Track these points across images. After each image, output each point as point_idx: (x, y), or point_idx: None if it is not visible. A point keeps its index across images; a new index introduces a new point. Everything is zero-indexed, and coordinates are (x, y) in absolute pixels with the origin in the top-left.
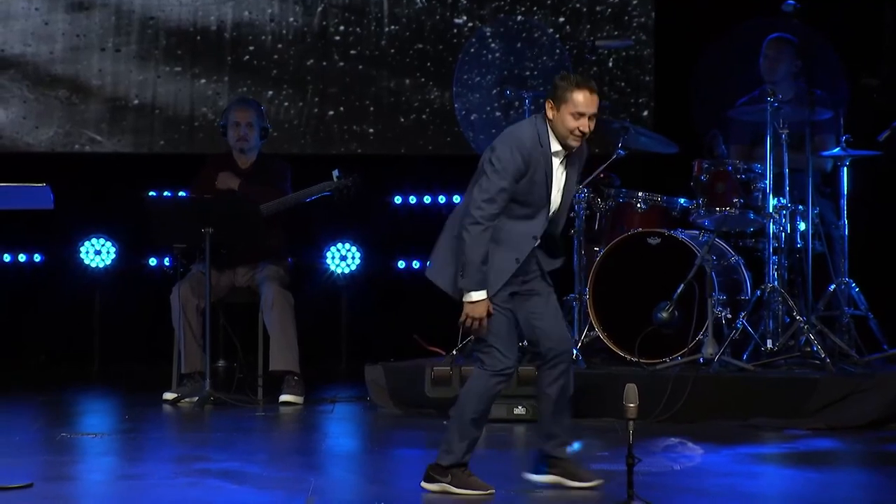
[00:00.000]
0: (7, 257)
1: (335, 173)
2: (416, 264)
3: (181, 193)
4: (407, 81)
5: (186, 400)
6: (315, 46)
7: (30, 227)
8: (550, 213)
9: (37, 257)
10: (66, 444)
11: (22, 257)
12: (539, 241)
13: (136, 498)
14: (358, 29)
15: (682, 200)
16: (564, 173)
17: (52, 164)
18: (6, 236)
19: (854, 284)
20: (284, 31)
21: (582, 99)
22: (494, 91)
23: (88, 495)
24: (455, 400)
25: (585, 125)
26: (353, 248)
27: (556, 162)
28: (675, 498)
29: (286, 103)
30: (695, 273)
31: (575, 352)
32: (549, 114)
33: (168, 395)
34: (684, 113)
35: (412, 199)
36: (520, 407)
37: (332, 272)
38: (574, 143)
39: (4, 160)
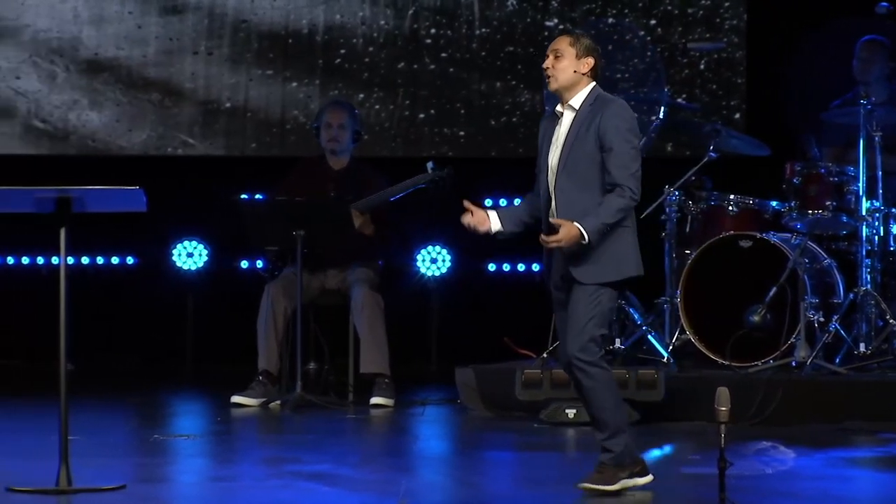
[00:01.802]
0: (100, 260)
1: (429, 166)
2: (506, 267)
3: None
4: (498, 84)
5: (255, 401)
6: (406, 49)
7: (123, 230)
8: (548, 176)
9: (130, 260)
10: (159, 446)
11: (115, 260)
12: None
13: (228, 500)
14: (449, 32)
15: (774, 203)
16: (565, 131)
17: (145, 167)
18: (100, 239)
19: None
20: (375, 34)
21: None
22: None
23: (181, 497)
24: (546, 402)
25: (548, 62)
26: (444, 251)
27: (561, 124)
28: (767, 502)
29: (377, 106)
30: (787, 276)
31: (666, 355)
32: None
33: (237, 399)
34: (776, 115)
35: (503, 202)
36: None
37: (423, 275)
38: (550, 85)
39: (98, 163)
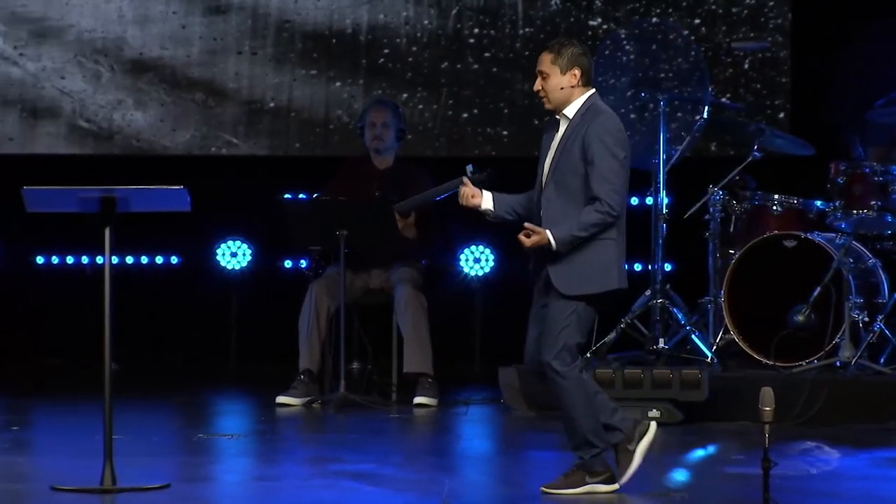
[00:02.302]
0: (144, 259)
1: (469, 168)
2: None
3: (316, 196)
4: None
5: (298, 401)
6: (449, 49)
7: (167, 230)
8: (540, 184)
9: (174, 260)
10: (203, 445)
11: (159, 259)
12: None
13: (272, 499)
14: (492, 31)
15: (818, 203)
16: (557, 140)
17: (189, 167)
18: (144, 238)
19: None
20: (419, 34)
21: None
22: (629, 93)
23: (224, 496)
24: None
25: (537, 84)
26: (487, 251)
27: (558, 132)
28: (811, 502)
29: (420, 106)
30: (831, 276)
31: (710, 354)
32: None
33: (281, 399)
34: (821, 115)
35: None
36: (654, 410)
37: (466, 274)
38: (546, 105)
39: (142, 163)
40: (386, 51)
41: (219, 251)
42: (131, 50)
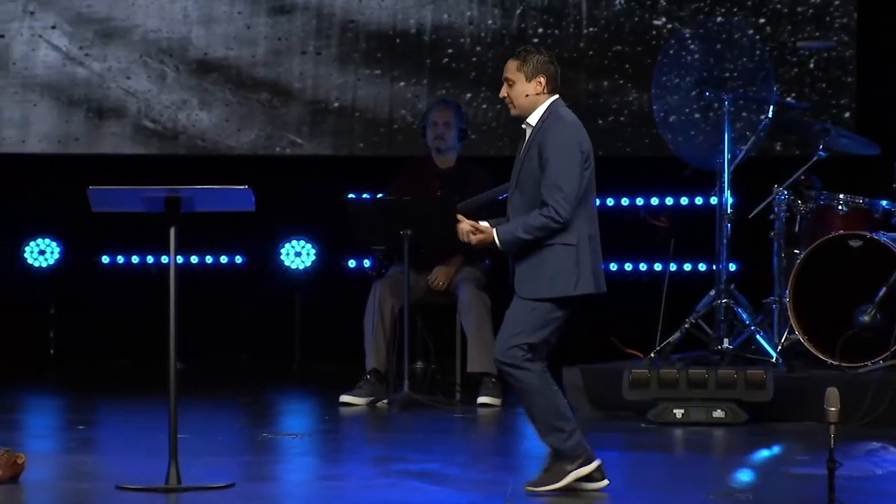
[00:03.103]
0: (209, 259)
1: None
2: (613, 266)
3: (379, 195)
4: (605, 83)
5: (362, 400)
6: (513, 49)
7: (231, 230)
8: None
9: (238, 259)
10: (268, 445)
11: (224, 259)
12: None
13: (336, 498)
14: (556, 31)
15: (884, 203)
16: (524, 147)
17: (254, 167)
18: (209, 238)
19: None
20: (483, 34)
21: None
22: (693, 93)
23: (289, 496)
24: (654, 402)
25: (502, 91)
26: None
27: (525, 134)
28: (876, 502)
29: (484, 105)
30: None
31: (775, 355)
32: None
33: (345, 398)
34: (887, 114)
35: (609, 202)
36: (719, 410)
37: None
38: (511, 112)
39: (207, 162)
40: (450, 50)
41: (283, 251)
42: (196, 50)
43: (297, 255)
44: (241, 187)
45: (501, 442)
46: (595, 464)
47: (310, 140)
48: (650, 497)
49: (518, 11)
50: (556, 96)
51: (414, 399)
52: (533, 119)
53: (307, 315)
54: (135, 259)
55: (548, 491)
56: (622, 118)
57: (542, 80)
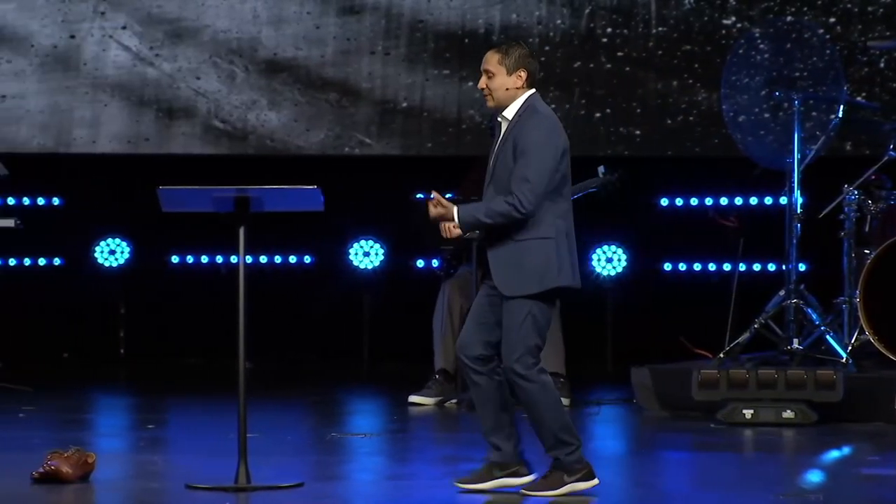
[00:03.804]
0: (278, 259)
1: (600, 170)
2: (682, 266)
3: (448, 195)
4: (674, 83)
5: (431, 400)
6: (582, 48)
7: (300, 229)
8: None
9: (307, 259)
10: (336, 444)
11: (292, 259)
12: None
13: (404, 498)
14: (625, 31)
15: None
16: (498, 142)
17: (323, 167)
18: (278, 238)
19: None
20: (552, 34)
21: None
22: (763, 92)
23: (357, 495)
24: (723, 402)
25: (481, 82)
26: (619, 251)
27: (501, 128)
28: None
29: (553, 105)
30: None
31: (845, 355)
32: None
33: (413, 398)
34: None
35: (679, 202)
36: (788, 411)
37: (598, 274)
38: (488, 103)
39: (276, 163)
40: None
41: (351, 251)
42: (266, 50)
43: (366, 255)
44: (310, 187)
45: None
46: (594, 482)
47: (378, 140)
48: (720, 497)
49: (587, 11)
50: (534, 90)
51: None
52: (509, 112)
53: (376, 315)
54: (204, 259)
55: (541, 497)
56: (691, 118)
57: (524, 74)
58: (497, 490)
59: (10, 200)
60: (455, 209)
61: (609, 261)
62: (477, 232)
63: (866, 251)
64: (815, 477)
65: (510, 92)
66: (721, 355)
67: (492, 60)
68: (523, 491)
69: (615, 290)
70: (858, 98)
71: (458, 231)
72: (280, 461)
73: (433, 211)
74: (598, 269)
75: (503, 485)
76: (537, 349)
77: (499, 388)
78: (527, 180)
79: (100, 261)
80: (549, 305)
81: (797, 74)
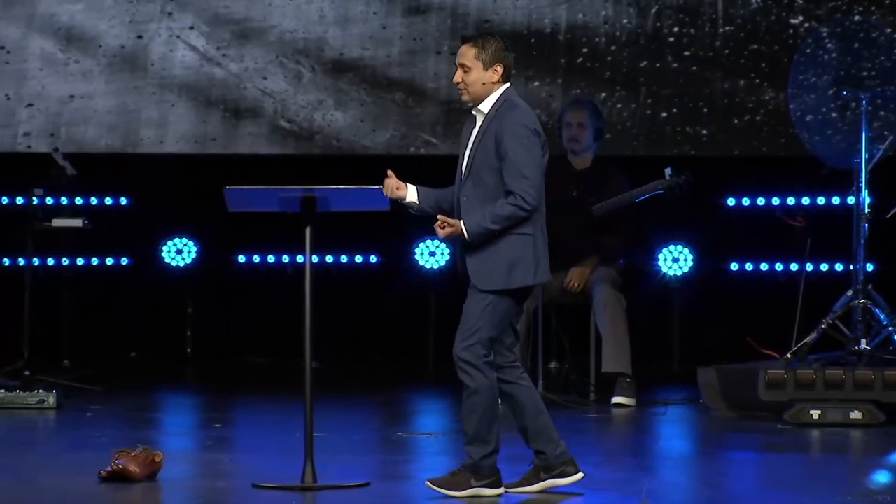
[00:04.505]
0: (344, 258)
1: (667, 171)
2: (749, 266)
3: None
4: (741, 82)
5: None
6: (648, 48)
7: (366, 229)
8: (459, 180)
9: (373, 259)
10: (402, 444)
11: (358, 259)
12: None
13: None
14: (692, 30)
15: None
16: (474, 136)
17: (388, 167)
18: (344, 238)
19: None
20: (618, 34)
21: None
22: (830, 92)
23: (423, 495)
24: (790, 403)
25: (457, 76)
26: (686, 251)
27: (477, 122)
28: None
29: (619, 105)
30: None
31: None
32: None
33: None
34: None
35: (745, 201)
36: (856, 411)
37: (665, 274)
38: (463, 97)
39: (342, 162)
40: (585, 50)
41: (417, 250)
42: (332, 50)
43: (432, 254)
44: (376, 187)
45: (636, 442)
46: (498, 491)
47: (444, 140)
48: (787, 498)
49: (654, 11)
50: (509, 84)
51: (548, 399)
52: (485, 106)
53: (441, 315)
54: (270, 259)
55: (446, 495)
56: (758, 117)
57: (500, 68)
58: (548, 490)
59: (79, 200)
60: (462, 224)
61: (675, 261)
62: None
63: None
64: (882, 478)
65: (486, 86)
66: (788, 356)
67: (468, 55)
68: (427, 482)
69: (681, 291)
70: None
71: (447, 231)
72: (346, 460)
73: (442, 233)
74: (665, 269)
75: (551, 486)
76: (490, 342)
77: (529, 391)
78: (525, 177)
79: (167, 260)
80: (517, 301)
81: (865, 74)
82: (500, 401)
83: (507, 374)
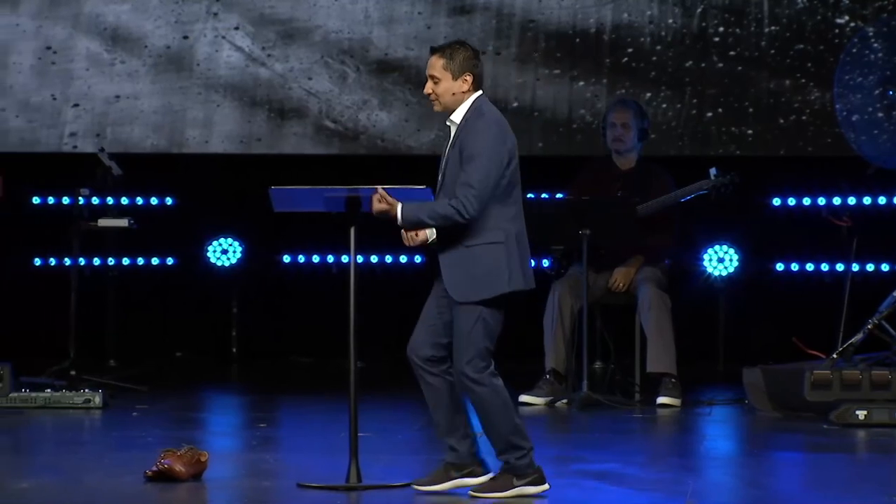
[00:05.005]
0: (389, 258)
1: (712, 172)
2: (794, 266)
3: (559, 195)
4: (787, 82)
5: (541, 400)
6: (694, 48)
7: None
8: (437, 187)
9: (417, 259)
10: (444, 444)
11: (403, 258)
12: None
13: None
14: (737, 30)
15: None
16: (448, 146)
17: (433, 167)
18: (388, 238)
19: None
20: (663, 33)
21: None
22: (877, 92)
23: (468, 495)
24: (836, 403)
25: (427, 87)
26: (731, 251)
27: (451, 133)
28: None
29: (664, 105)
30: None
31: None
32: None
33: (524, 398)
34: None
35: (791, 201)
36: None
37: (710, 274)
38: (435, 108)
39: (387, 162)
40: (630, 50)
41: None
42: (377, 50)
43: None
44: (421, 187)
45: (681, 442)
46: (544, 487)
47: None
48: (832, 499)
49: (699, 10)
50: (480, 92)
51: (593, 399)
52: (457, 117)
53: None
54: (315, 258)
55: (491, 499)
56: (804, 117)
57: (469, 78)
58: (453, 491)
59: (124, 200)
60: (399, 206)
61: (721, 261)
62: (433, 238)
63: None
64: None
65: (457, 97)
66: (834, 356)
67: (436, 65)
68: (471, 493)
69: (727, 291)
70: None
71: (420, 238)
72: (391, 460)
73: (376, 206)
74: (710, 270)
75: (459, 485)
76: (487, 352)
77: (452, 388)
78: (471, 186)
79: (212, 260)
80: (500, 309)
81: None
82: (426, 390)
83: (433, 367)
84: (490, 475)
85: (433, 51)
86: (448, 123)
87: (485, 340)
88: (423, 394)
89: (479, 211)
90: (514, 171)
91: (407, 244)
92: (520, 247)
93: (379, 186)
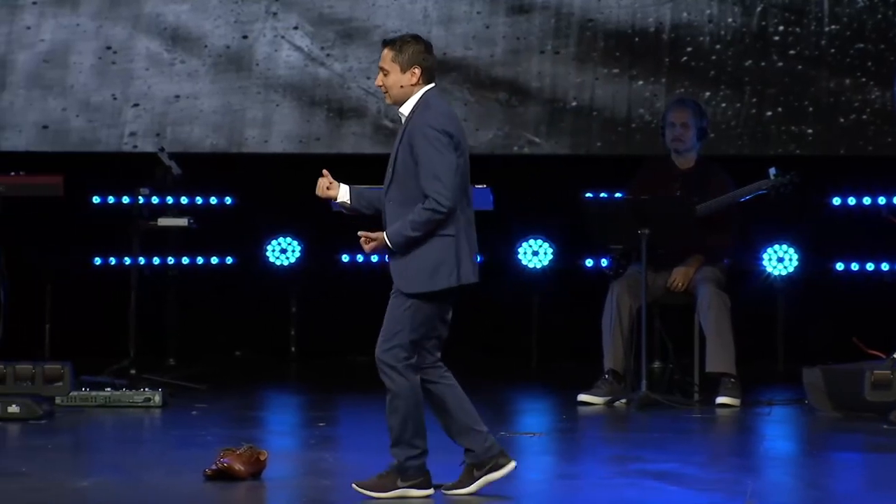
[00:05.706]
0: None
1: (771, 171)
2: (854, 266)
3: (617, 195)
4: (847, 81)
5: (600, 399)
6: (753, 47)
7: None
8: (387, 184)
9: (476, 258)
10: (505, 443)
11: None
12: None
13: (573, 497)
14: (797, 29)
15: None
16: (398, 138)
17: (492, 166)
18: None
19: None
20: (723, 32)
21: None
22: None
23: (526, 495)
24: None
25: (378, 79)
26: (791, 250)
27: (401, 126)
28: None
29: (723, 104)
30: None
31: None
32: None
33: (583, 397)
34: None
35: (851, 201)
36: None
37: (769, 274)
38: (386, 100)
39: None
40: (689, 49)
41: (520, 250)
42: (436, 50)
43: (535, 254)
44: (480, 186)
45: (740, 442)
46: (428, 492)
47: (548, 139)
48: (893, 499)
49: (759, 9)
50: (432, 85)
51: (652, 399)
52: (406, 109)
53: (544, 314)
54: (373, 258)
55: (372, 497)
56: (864, 116)
57: (417, 70)
58: (482, 491)
59: (184, 200)
60: (384, 236)
61: (780, 260)
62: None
63: None
64: None
65: (405, 89)
66: (894, 356)
67: (386, 58)
68: (354, 485)
69: (786, 290)
70: None
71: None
72: (448, 459)
73: (367, 248)
74: (770, 269)
75: (486, 482)
76: (412, 345)
77: (451, 391)
78: (437, 178)
79: (271, 259)
80: (441, 302)
81: None
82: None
83: (429, 375)
84: (513, 463)
85: (384, 43)
86: (399, 116)
87: (411, 332)
88: (480, 392)
89: (452, 200)
90: (464, 161)
91: (368, 251)
92: (468, 238)
93: (359, 232)
